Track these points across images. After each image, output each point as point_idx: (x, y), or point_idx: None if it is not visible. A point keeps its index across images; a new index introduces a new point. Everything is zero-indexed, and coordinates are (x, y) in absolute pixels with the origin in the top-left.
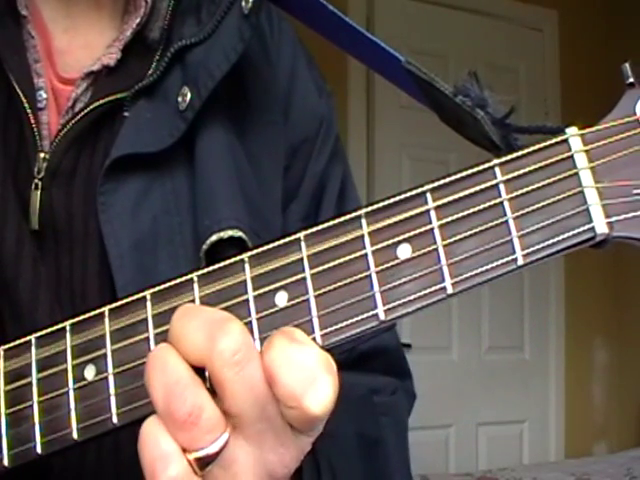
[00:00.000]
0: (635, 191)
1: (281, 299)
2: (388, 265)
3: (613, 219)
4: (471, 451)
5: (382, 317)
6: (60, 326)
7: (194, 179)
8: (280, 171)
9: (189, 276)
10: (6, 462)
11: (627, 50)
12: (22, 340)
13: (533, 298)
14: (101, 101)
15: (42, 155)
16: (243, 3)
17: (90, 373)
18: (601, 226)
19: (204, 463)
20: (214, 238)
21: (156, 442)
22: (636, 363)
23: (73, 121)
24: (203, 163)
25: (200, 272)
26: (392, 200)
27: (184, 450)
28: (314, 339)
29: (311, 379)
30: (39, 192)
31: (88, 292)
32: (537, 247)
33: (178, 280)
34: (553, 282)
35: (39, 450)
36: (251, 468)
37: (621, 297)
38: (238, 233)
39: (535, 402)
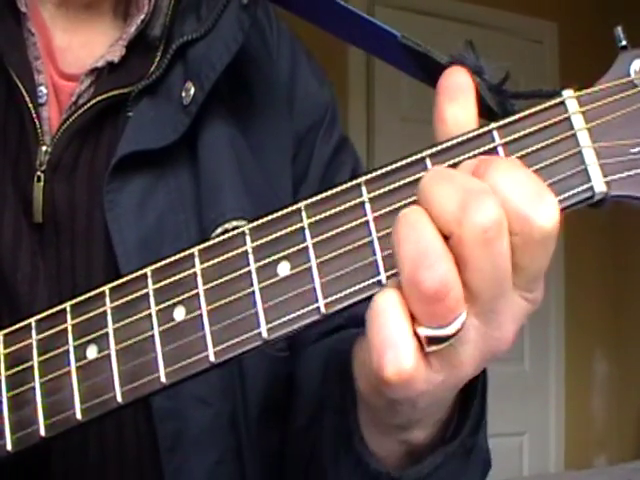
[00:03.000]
0: (632, 150)
1: (283, 269)
2: (390, 231)
3: (611, 178)
4: None
5: (384, 283)
6: (60, 307)
7: (198, 176)
8: (288, 161)
9: (190, 250)
10: (9, 446)
11: None
12: (22, 324)
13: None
14: (104, 96)
15: (44, 148)
16: None
17: (92, 352)
18: (599, 185)
19: (435, 341)
20: (219, 230)
21: (389, 324)
22: (636, 375)
23: (75, 115)
24: (206, 159)
25: (201, 246)
26: (392, 167)
27: (416, 321)
28: (318, 308)
29: (538, 195)
30: (41, 185)
31: (93, 286)
32: None
33: (179, 255)
34: (553, 293)
35: (42, 432)
36: (477, 347)
37: (621, 309)
38: (242, 223)
39: (535, 414)
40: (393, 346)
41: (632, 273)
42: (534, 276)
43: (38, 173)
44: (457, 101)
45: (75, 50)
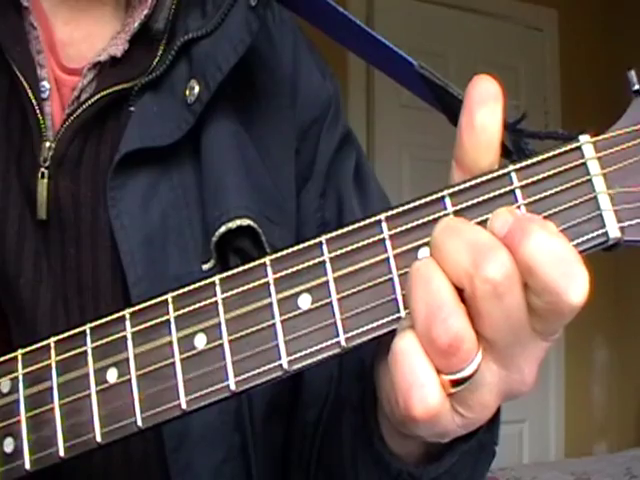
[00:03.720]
0: None
1: (304, 302)
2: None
3: (625, 224)
4: None
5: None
6: (79, 329)
7: (201, 172)
8: (291, 155)
9: (211, 279)
10: (28, 466)
11: (627, 49)
12: (41, 344)
13: None
14: (107, 91)
15: (48, 144)
16: None
17: (112, 377)
18: (614, 231)
19: (455, 384)
20: (223, 229)
21: (413, 367)
22: (636, 362)
23: (79, 110)
24: (209, 155)
25: (222, 275)
26: (412, 205)
27: (437, 370)
28: (338, 342)
29: (570, 272)
30: (45, 181)
31: (100, 284)
32: None
33: (200, 283)
34: None
35: (62, 453)
36: (496, 388)
37: (621, 296)
38: (246, 222)
39: (535, 401)
40: (419, 386)
41: (632, 260)
42: (557, 329)
43: (42, 169)
44: (487, 105)
45: (76, 43)
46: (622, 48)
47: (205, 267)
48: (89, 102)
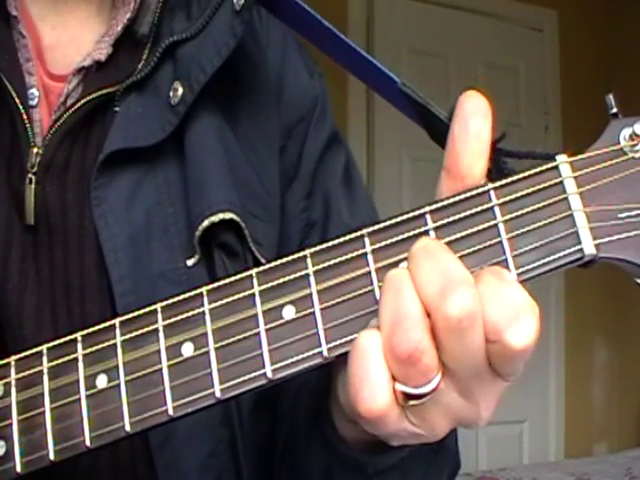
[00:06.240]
0: (620, 215)
1: (289, 313)
2: None
3: (600, 241)
4: (471, 451)
5: None
6: (71, 337)
7: (185, 169)
8: (275, 151)
9: (199, 290)
10: (19, 469)
11: (627, 49)
12: (33, 350)
13: (533, 298)
14: (92, 95)
15: (35, 150)
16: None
17: (102, 382)
18: (589, 247)
19: (409, 397)
20: (206, 223)
21: (368, 364)
22: (636, 363)
23: (65, 115)
24: (193, 153)
25: (210, 287)
26: (394, 221)
27: (393, 378)
28: (321, 352)
29: (515, 316)
30: (33, 186)
31: (86, 284)
32: (530, 266)
33: (188, 294)
34: (553, 282)
35: (52, 457)
36: (450, 413)
37: (621, 297)
38: (229, 215)
39: (535, 402)
40: (370, 385)
41: None
42: (514, 371)
43: (29, 175)
44: (480, 115)
45: (63, 47)
46: (622, 48)
47: (190, 262)
48: (74, 107)
